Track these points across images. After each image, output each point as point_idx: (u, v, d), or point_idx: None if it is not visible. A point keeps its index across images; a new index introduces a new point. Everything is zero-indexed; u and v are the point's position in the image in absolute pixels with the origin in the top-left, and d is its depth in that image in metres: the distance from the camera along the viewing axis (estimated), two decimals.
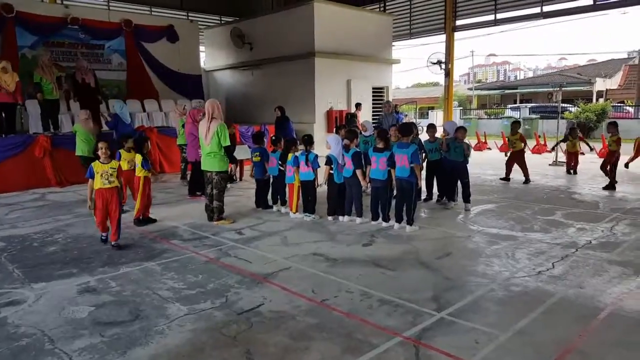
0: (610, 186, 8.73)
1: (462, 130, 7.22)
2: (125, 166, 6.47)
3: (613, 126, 9.00)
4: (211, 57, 18.36)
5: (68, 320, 3.51)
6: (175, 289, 4.07)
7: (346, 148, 6.32)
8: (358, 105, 13.97)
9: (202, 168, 6.46)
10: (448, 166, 7.26)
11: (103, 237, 5.40)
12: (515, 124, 9.94)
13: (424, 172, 7.21)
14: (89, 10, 14.86)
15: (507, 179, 9.75)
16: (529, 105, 30.57)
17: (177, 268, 4.62)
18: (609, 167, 8.92)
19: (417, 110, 32.34)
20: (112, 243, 5.25)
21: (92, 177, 5.12)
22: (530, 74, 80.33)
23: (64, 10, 13.54)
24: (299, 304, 3.72)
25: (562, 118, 20.33)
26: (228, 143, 6.18)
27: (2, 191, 8.92)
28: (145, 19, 15.84)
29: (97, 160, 5.19)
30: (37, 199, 8.53)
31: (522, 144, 9.53)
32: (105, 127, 11.06)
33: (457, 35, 17.99)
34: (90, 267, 4.70)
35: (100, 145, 5.20)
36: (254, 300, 3.80)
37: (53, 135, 9.94)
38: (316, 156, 6.50)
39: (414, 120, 23.23)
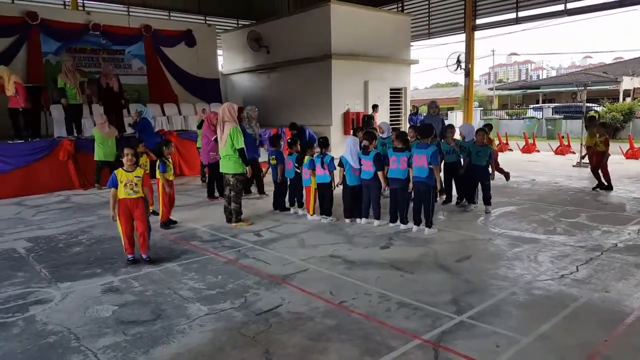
0: (608, 187, 8.51)
1: (480, 132, 7.11)
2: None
3: (602, 127, 8.64)
4: (229, 60, 18.52)
5: (93, 318, 3.61)
6: (195, 289, 4.12)
7: (365, 150, 6.29)
8: (375, 107, 13.91)
9: (220, 170, 6.53)
10: (470, 169, 7.15)
11: (130, 259, 4.88)
12: (601, 125, 8.83)
13: (442, 174, 7.14)
14: (110, 16, 15.16)
15: (606, 187, 8.60)
16: (552, 105, 30.00)
17: (198, 269, 4.68)
18: (601, 169, 8.56)
19: None
20: (144, 257, 4.90)
21: (116, 186, 4.70)
22: (554, 73, 78.96)
23: (85, 16, 13.84)
24: (317, 306, 3.71)
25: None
26: (240, 145, 6.20)
27: (29, 193, 9.19)
28: (164, 23, 16.07)
29: (120, 168, 4.77)
30: (62, 201, 8.74)
31: (605, 147, 8.50)
32: (127, 131, 11.32)
33: (477, 34, 17.79)
34: (113, 268, 4.81)
35: (125, 151, 4.75)
36: (273, 301, 3.81)
37: (76, 139, 10.17)
38: (332, 158, 6.50)
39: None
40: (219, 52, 18.18)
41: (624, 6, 14.49)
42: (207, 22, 18.92)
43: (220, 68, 18.19)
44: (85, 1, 16.41)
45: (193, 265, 4.79)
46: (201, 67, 15.99)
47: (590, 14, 15.56)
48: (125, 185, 4.70)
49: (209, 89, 16.17)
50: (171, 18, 18.33)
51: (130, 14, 17.04)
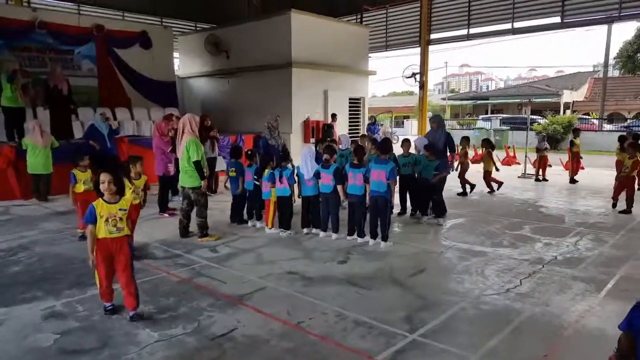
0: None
1: (430, 148, 7.39)
2: (80, 188, 6.07)
3: (631, 147, 8.47)
4: (186, 64, 18.18)
5: (32, 349, 3.37)
6: (145, 312, 3.98)
7: (326, 163, 6.38)
8: (334, 116, 14.07)
9: (180, 183, 6.39)
10: (421, 183, 7.41)
11: (108, 308, 3.91)
12: (635, 144, 8.47)
13: (397, 187, 7.33)
14: (58, 14, 14.48)
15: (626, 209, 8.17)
16: (500, 116, 31.38)
17: (148, 290, 4.48)
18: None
19: (393, 119, 32.76)
20: (131, 314, 3.82)
21: (94, 222, 3.70)
22: (502, 84, 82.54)
23: (31, 13, 13.15)
24: (274, 327, 3.72)
25: (531, 130, 20.96)
26: (196, 158, 6.05)
27: None
28: (117, 24, 15.55)
29: (100, 199, 3.76)
30: (1, 212, 8.16)
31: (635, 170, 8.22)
32: (74, 137, 10.86)
33: (433, 47, 18.36)
34: (56, 289, 4.49)
35: (102, 178, 3.71)
36: (227, 325, 3.77)
37: (17, 145, 9.59)
38: (292, 172, 6.53)
39: (390, 130, 23.57)
40: (176, 55, 17.82)
41: (565, 27, 15.46)
42: (163, 23, 18.51)
43: (176, 71, 17.82)
44: None
45: (144, 286, 4.53)
46: (157, 70, 15.57)
47: (535, 33, 16.47)
48: (107, 220, 3.70)
49: (164, 92, 15.75)
50: (125, 18, 17.80)
51: (81, 12, 16.43)
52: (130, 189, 5.10)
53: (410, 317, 3.91)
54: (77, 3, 16.84)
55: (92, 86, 14.33)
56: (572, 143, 11.97)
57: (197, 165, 6.09)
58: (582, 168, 13.37)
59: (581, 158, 12.36)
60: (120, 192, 3.81)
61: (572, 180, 11.58)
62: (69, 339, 3.54)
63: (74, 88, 12.73)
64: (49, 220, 7.58)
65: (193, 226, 6.45)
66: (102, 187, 3.72)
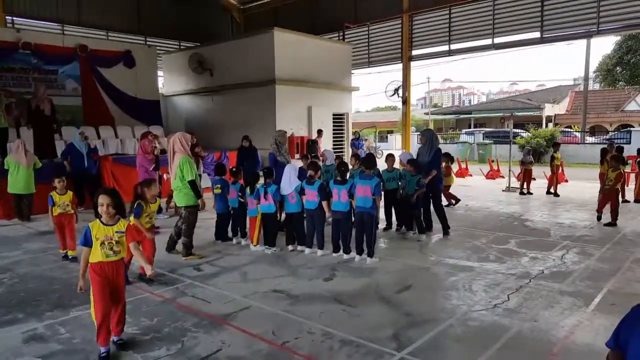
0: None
1: (413, 163, 7.37)
2: (55, 211, 5.98)
3: (614, 160, 8.61)
4: (170, 82, 18.18)
5: None
6: (128, 335, 3.87)
7: (310, 180, 6.35)
8: (320, 132, 14.12)
9: (175, 202, 6.32)
10: (405, 198, 7.39)
11: (102, 355, 3.47)
12: (617, 157, 8.62)
13: (382, 202, 7.31)
14: (42, 34, 14.50)
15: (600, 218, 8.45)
16: (483, 130, 31.81)
17: (131, 310, 4.33)
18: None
19: (377, 134, 32.98)
20: (115, 339, 3.67)
21: (89, 244, 3.51)
22: (484, 99, 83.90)
23: (15, 34, 13.13)
24: (259, 348, 3.64)
25: (514, 143, 21.27)
26: (190, 177, 5.97)
27: None
28: (101, 43, 15.59)
29: (97, 220, 3.59)
30: None
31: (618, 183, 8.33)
32: (58, 157, 10.72)
33: (414, 63, 18.62)
34: (38, 311, 4.43)
35: (101, 200, 3.55)
36: (212, 346, 3.68)
37: (1, 165, 9.45)
38: (277, 188, 6.49)
39: (374, 145, 23.70)
40: (160, 73, 17.79)
41: (544, 42, 15.81)
42: (147, 42, 18.50)
43: (160, 89, 17.77)
44: (14, 18, 15.54)
45: (127, 306, 4.51)
46: (140, 89, 15.56)
47: (515, 48, 16.81)
48: (103, 243, 3.51)
49: (148, 110, 15.74)
50: (109, 38, 17.76)
51: (65, 32, 16.36)
52: (147, 214, 5.16)
53: (398, 335, 3.86)
54: (61, 23, 16.78)
55: (76, 105, 14.28)
56: (552, 157, 12.11)
57: (193, 184, 6.00)
58: (566, 181, 13.59)
59: (561, 172, 12.52)
60: (120, 214, 3.63)
61: (553, 193, 11.70)
62: None
63: (58, 107, 12.65)
64: (32, 240, 7.44)
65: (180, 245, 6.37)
66: (101, 209, 3.54)
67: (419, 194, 7.18)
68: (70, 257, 6.05)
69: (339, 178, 6.21)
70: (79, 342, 3.78)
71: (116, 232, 3.56)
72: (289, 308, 4.47)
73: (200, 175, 9.58)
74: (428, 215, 7.51)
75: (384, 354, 3.53)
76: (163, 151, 9.02)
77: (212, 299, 4.74)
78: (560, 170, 12.23)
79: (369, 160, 6.39)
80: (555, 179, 11.95)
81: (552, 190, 11.84)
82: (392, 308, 4.48)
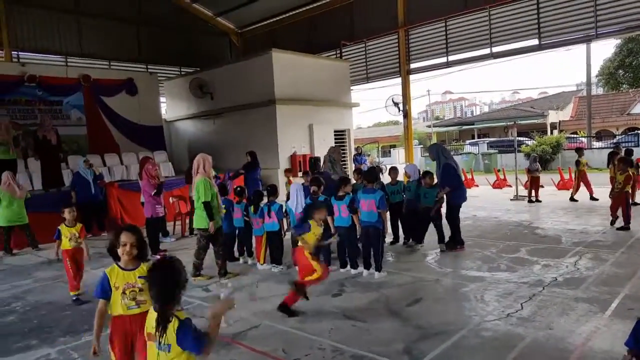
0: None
1: (429, 175, 7.27)
2: (66, 244, 5.50)
3: (621, 162, 8.48)
4: (172, 107, 18.36)
5: None
6: None
7: (314, 195, 6.32)
8: (333, 149, 13.98)
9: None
10: (418, 210, 7.30)
11: None
12: (625, 159, 8.49)
13: (388, 215, 7.25)
14: (46, 67, 14.73)
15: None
16: (487, 140, 31.74)
17: None
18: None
19: (380, 149, 33.00)
20: None
21: (107, 296, 2.89)
22: (486, 109, 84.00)
23: (20, 68, 13.34)
24: None
25: (519, 151, 21.18)
26: (205, 199, 5.95)
27: None
28: (103, 73, 15.77)
29: (115, 264, 2.99)
30: None
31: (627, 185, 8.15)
32: (65, 185, 10.78)
33: (414, 76, 18.70)
34: (51, 337, 4.48)
35: (124, 239, 2.92)
36: None
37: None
38: (280, 206, 6.48)
39: (377, 160, 23.71)
40: (162, 99, 17.99)
41: (543, 49, 15.83)
42: (148, 70, 18.75)
43: (163, 115, 17.95)
44: (20, 52, 15.84)
45: None
46: (144, 115, 15.69)
47: (514, 56, 16.85)
48: (124, 293, 2.89)
49: (152, 136, 15.83)
50: (111, 67, 18.02)
51: (68, 64, 16.61)
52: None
53: (410, 349, 3.78)
54: (64, 55, 17.07)
55: (81, 134, 14.40)
56: (577, 162, 11.73)
57: (207, 205, 5.99)
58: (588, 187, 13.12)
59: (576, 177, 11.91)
60: (141, 256, 3.00)
61: (592, 198, 11.40)
62: None
63: (64, 137, 12.80)
64: (42, 269, 7.53)
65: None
66: (122, 250, 2.91)
67: (437, 207, 7.07)
68: (74, 297, 5.53)
69: (340, 193, 6.17)
70: None
71: (139, 277, 2.91)
72: (298, 325, 4.41)
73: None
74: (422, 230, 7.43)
75: None
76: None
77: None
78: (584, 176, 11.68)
79: (371, 174, 6.36)
80: (577, 184, 11.65)
81: (572, 196, 11.56)
82: (402, 321, 4.41)
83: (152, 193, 7.90)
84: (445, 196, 7.03)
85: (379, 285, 5.55)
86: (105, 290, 2.89)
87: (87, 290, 5.50)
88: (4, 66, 14.07)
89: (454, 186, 6.93)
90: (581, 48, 19.29)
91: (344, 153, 16.44)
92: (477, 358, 3.59)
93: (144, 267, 2.91)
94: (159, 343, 2.28)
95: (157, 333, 2.28)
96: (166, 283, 2.32)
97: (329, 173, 8.34)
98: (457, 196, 7.03)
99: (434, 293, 5.25)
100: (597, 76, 34.01)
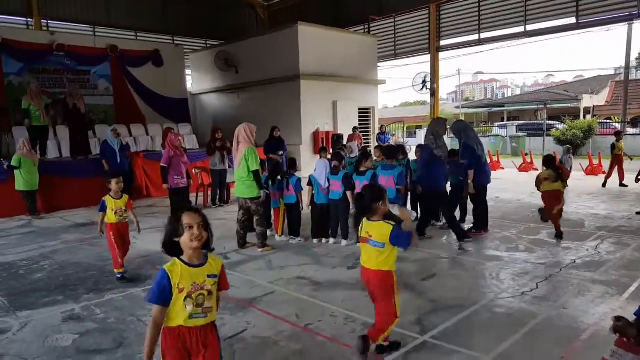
0: None
1: (454, 153, 7.17)
2: (112, 218, 4.98)
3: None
4: (197, 80, 18.49)
5: (52, 348, 3.50)
6: None
7: (335, 170, 6.35)
8: (355, 129, 13.95)
9: (235, 195, 6.30)
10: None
11: None
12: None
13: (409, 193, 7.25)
14: (75, 36, 14.95)
15: None
16: (516, 123, 30.96)
17: None
18: None
19: (405, 129, 32.63)
20: None
21: (167, 301, 2.14)
22: (518, 91, 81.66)
23: (49, 37, 13.62)
24: (283, 329, 3.69)
25: (549, 135, 20.64)
26: (255, 168, 5.92)
27: None
28: (130, 44, 15.98)
29: (175, 260, 2.23)
30: (24, 225, 8.46)
31: None
32: (92, 153, 11.07)
33: (444, 54, 18.34)
34: (75, 294, 4.69)
35: (188, 220, 2.24)
36: (238, 326, 3.77)
37: (40, 162, 9.88)
38: (299, 179, 6.54)
39: (402, 141, 23.49)
40: (187, 72, 18.12)
41: (580, 28, 15.22)
42: (174, 42, 18.86)
43: (189, 88, 18.11)
44: (49, 21, 16.13)
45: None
46: (169, 87, 15.89)
47: (549, 35, 16.27)
48: (190, 297, 2.19)
49: (177, 109, 16.05)
50: (138, 38, 18.21)
51: (96, 34, 16.86)
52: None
53: (421, 320, 3.83)
54: (92, 25, 17.31)
55: (108, 104, 14.71)
56: (613, 146, 11.35)
57: (257, 174, 5.97)
58: (604, 172, 12.88)
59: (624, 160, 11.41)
60: (207, 245, 2.30)
61: (621, 184, 11.10)
62: (86, 340, 3.64)
63: (91, 107, 13.16)
64: (69, 232, 7.81)
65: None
66: (190, 235, 2.20)
67: (467, 193, 6.80)
68: (119, 275, 5.07)
69: (362, 169, 6.19)
70: (113, 322, 3.96)
71: (209, 276, 2.24)
72: (313, 293, 4.50)
73: (225, 170, 9.80)
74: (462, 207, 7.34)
75: (406, 337, 3.51)
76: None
77: (238, 284, 4.81)
78: (619, 161, 11.22)
79: (391, 150, 6.33)
80: (610, 170, 11.29)
81: (620, 182, 11.14)
82: (416, 294, 4.45)
83: (184, 160, 7.98)
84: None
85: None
86: (164, 292, 2.14)
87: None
88: (34, 34, 14.39)
89: (472, 166, 6.58)
90: (622, 28, 18.41)
91: (367, 131, 16.34)
92: (488, 332, 3.61)
93: (213, 263, 2.30)
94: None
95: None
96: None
97: (431, 148, 7.70)
98: (477, 178, 6.62)
99: (449, 270, 5.27)
100: (637, 59, 32.37)
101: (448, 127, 8.02)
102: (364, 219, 3.16)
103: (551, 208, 6.47)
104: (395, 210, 3.34)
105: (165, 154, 7.90)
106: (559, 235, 6.45)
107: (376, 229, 3.08)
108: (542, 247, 6.03)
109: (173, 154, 7.83)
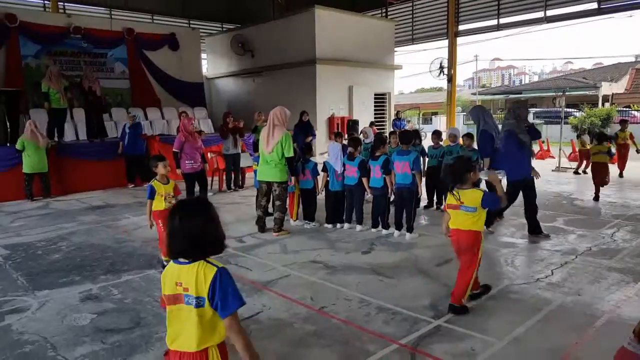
0: None
1: (469, 136, 7.16)
2: (161, 204, 4.59)
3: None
4: (213, 64, 18.48)
5: (70, 327, 3.58)
6: None
7: (351, 156, 6.34)
8: (372, 124, 13.83)
9: (259, 178, 6.26)
10: None
11: None
12: None
13: (424, 179, 7.20)
14: (91, 19, 15.00)
15: None
16: (534, 110, 30.42)
17: None
18: None
19: (421, 116, 32.30)
20: None
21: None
22: (536, 78, 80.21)
23: (66, 19, 13.69)
24: (298, 312, 3.75)
25: (566, 123, 20.27)
26: (292, 154, 5.98)
27: (5, 200, 8.99)
28: (146, 27, 16.00)
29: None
30: (41, 207, 8.61)
31: None
32: (108, 136, 11.20)
33: (461, 40, 18.03)
34: (92, 275, 4.78)
35: None
36: (253, 308, 3.83)
37: (57, 144, 10.05)
38: (315, 164, 6.55)
39: (417, 126, 23.30)
40: (203, 56, 18.12)
41: (602, 14, 14.83)
42: (190, 25, 18.84)
43: (204, 72, 18.13)
44: (66, 4, 16.21)
45: None
46: (185, 71, 15.93)
47: (570, 21, 15.88)
48: None
49: (192, 93, 16.10)
50: (154, 21, 18.23)
51: (113, 17, 16.89)
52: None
53: (435, 304, 3.85)
54: (108, 8, 17.35)
55: (124, 88, 14.80)
56: (615, 135, 11.09)
57: (291, 161, 6.03)
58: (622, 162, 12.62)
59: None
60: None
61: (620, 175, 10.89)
62: (104, 319, 3.72)
63: (107, 90, 13.23)
64: (86, 214, 7.92)
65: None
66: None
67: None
68: (166, 262, 4.44)
69: (377, 153, 6.17)
70: (129, 302, 4.05)
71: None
72: (327, 277, 4.54)
73: (238, 154, 9.85)
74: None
75: (420, 321, 3.54)
76: (200, 132, 9.22)
77: (253, 267, 4.89)
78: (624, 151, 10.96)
79: (406, 136, 6.28)
80: (619, 162, 10.98)
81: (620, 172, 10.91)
82: (430, 280, 4.47)
83: (199, 145, 7.97)
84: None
85: (409, 246, 5.60)
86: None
87: (127, 237, 5.79)
88: (50, 17, 14.47)
89: (490, 156, 6.26)
90: None
91: (383, 117, 16.23)
92: (502, 317, 3.62)
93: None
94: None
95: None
96: None
97: (514, 132, 7.10)
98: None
99: None
100: None
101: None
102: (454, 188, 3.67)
103: (602, 175, 8.27)
104: (484, 175, 4.12)
105: (178, 139, 7.84)
106: (596, 199, 8.15)
107: (468, 196, 3.59)
108: (557, 234, 5.99)
109: (184, 139, 7.78)
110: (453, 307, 3.67)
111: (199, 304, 1.84)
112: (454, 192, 3.63)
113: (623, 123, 11.73)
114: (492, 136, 6.27)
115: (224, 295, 1.84)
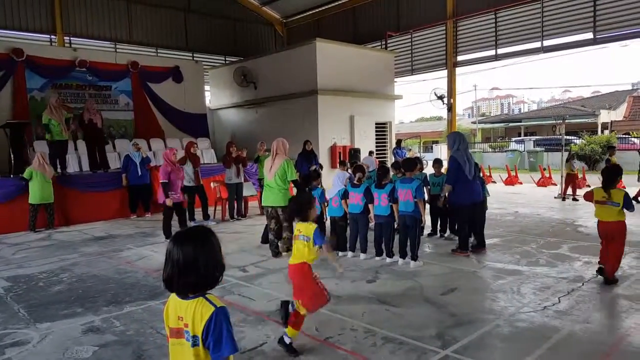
0: None
1: (437, 163, 7.54)
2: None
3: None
4: (216, 96, 18.76)
5: None
6: None
7: (359, 182, 6.35)
8: (371, 153, 13.97)
9: (264, 204, 6.54)
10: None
11: None
12: None
13: (427, 207, 7.20)
14: (97, 52, 15.31)
15: None
16: (534, 138, 30.66)
17: None
18: None
19: (422, 145, 32.52)
20: None
21: None
22: (535, 107, 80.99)
23: (72, 53, 14.01)
24: (303, 342, 3.68)
25: (567, 150, 20.38)
26: (295, 177, 6.32)
27: (8, 231, 8.98)
28: (151, 60, 16.34)
29: None
30: (43, 238, 8.60)
31: None
32: (110, 167, 11.26)
33: (460, 69, 18.29)
34: (95, 307, 4.72)
35: None
36: (257, 339, 3.77)
37: (60, 175, 10.10)
38: (323, 191, 6.58)
39: (418, 154, 23.43)
40: (207, 87, 18.42)
41: (597, 44, 15.11)
42: (194, 58, 19.21)
43: (207, 103, 18.39)
44: (72, 38, 16.58)
45: None
46: (188, 103, 16.18)
47: (566, 50, 16.18)
48: None
49: (196, 124, 16.33)
50: (158, 55, 18.60)
51: (118, 50, 17.26)
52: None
53: (442, 334, 3.79)
54: (113, 42, 17.74)
55: (128, 119, 14.99)
56: (607, 161, 11.46)
57: (297, 183, 6.39)
58: (588, 186, 12.90)
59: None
60: None
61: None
62: (106, 352, 3.65)
63: (112, 121, 13.39)
64: (89, 245, 7.90)
65: None
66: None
67: (442, 200, 6.83)
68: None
69: (382, 182, 6.19)
70: (132, 334, 3.98)
71: None
72: (332, 307, 4.46)
73: (241, 183, 9.90)
74: (473, 229, 6.64)
75: (427, 351, 3.48)
76: (197, 161, 9.34)
77: (257, 297, 4.84)
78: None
79: (409, 164, 6.32)
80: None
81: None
82: (436, 309, 4.41)
83: (180, 176, 8.02)
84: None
85: (414, 274, 5.55)
86: None
87: (129, 268, 5.75)
88: (57, 50, 14.78)
89: (450, 181, 6.32)
90: (637, 44, 18.16)
91: (384, 146, 16.34)
92: (510, 347, 3.55)
93: None
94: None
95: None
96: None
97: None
98: (456, 194, 6.32)
99: (469, 284, 5.21)
100: None
101: None
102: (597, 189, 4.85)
103: None
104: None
105: (163, 169, 7.83)
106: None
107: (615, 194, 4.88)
108: (563, 262, 5.94)
109: (170, 169, 7.84)
110: (607, 279, 4.89)
111: (194, 342, 1.80)
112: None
113: (611, 149, 12.22)
114: (459, 164, 6.27)
115: (218, 337, 1.77)
